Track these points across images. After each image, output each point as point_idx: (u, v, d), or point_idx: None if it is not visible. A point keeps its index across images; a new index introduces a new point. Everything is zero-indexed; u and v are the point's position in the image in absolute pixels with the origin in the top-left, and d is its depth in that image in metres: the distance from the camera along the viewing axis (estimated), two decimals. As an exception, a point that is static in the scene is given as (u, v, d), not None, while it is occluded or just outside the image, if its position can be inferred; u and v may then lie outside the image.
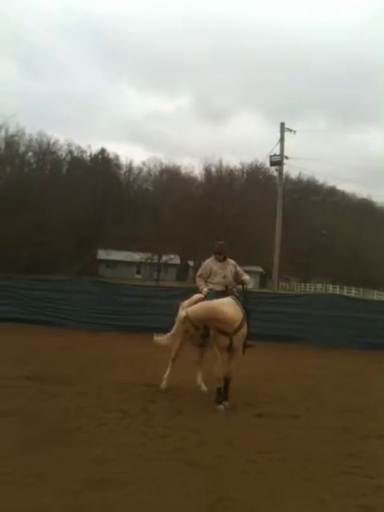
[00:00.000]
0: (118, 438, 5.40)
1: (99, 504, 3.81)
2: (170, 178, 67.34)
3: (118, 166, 71.83)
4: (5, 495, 3.82)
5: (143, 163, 72.15)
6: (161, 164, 69.85)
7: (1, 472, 4.27)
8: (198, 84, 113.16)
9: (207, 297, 7.48)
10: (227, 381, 7.09)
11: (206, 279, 7.69)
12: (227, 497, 4.06)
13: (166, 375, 7.90)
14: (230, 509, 3.88)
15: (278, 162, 29.62)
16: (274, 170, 34.26)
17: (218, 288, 7.51)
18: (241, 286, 7.82)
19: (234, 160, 73.04)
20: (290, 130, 29.81)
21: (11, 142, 40.54)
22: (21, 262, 28.96)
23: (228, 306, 7.04)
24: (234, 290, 7.65)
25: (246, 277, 7.72)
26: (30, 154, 54.28)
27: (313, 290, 57.01)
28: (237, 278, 7.71)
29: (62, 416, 6.08)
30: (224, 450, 5.21)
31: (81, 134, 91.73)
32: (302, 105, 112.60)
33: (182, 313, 6.96)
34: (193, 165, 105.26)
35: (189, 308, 6.99)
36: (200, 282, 7.73)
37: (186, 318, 6.90)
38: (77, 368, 9.22)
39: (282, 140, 29.42)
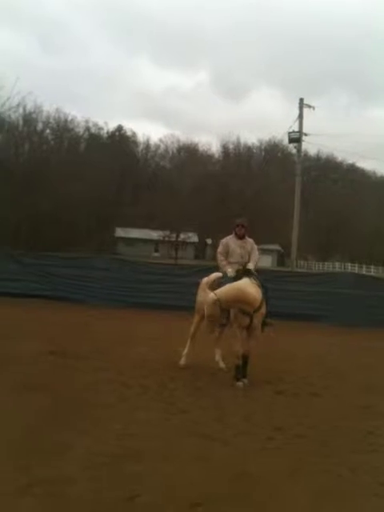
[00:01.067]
0: (139, 413, 5.49)
1: (122, 476, 3.90)
2: (188, 155, 66.94)
3: (135, 143, 71.59)
4: (30, 467, 3.93)
5: (160, 140, 71.89)
6: (178, 141, 69.49)
7: (29, 444, 4.39)
8: (216, 60, 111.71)
9: (224, 277, 7.50)
10: (246, 358, 7.15)
11: (226, 257, 7.69)
12: (247, 472, 4.12)
13: (184, 352, 7.98)
14: (250, 484, 3.94)
15: (296, 138, 29.18)
16: (292, 147, 33.73)
17: (235, 267, 7.51)
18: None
19: (251, 137, 72.47)
20: (309, 106, 29.29)
21: (29, 120, 40.56)
22: (41, 239, 29.22)
23: (251, 287, 7.06)
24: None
25: (251, 265, 7.47)
26: (48, 131, 54.29)
27: (331, 268, 56.58)
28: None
29: (84, 391, 6.20)
30: (243, 427, 5.28)
31: (98, 111, 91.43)
32: (322, 81, 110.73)
33: (211, 296, 6.87)
34: (210, 142, 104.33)
35: (218, 291, 6.90)
36: (222, 262, 7.71)
37: (217, 301, 6.84)
38: (98, 344, 9.36)
39: (300, 116, 28.94)
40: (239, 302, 6.98)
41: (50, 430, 4.79)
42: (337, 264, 59.77)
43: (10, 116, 35.32)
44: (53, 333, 10.32)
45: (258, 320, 7.15)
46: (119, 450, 4.39)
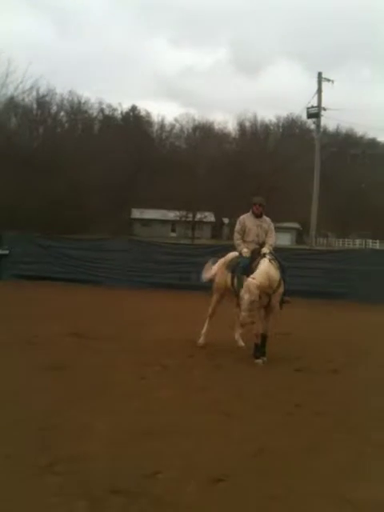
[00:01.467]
0: (159, 391, 5.54)
1: (143, 453, 3.95)
2: (203, 134, 66.33)
3: (149, 123, 71.11)
4: (52, 446, 3.99)
5: (175, 120, 71.23)
6: (193, 120, 68.76)
7: (51, 423, 4.46)
8: (232, 36, 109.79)
9: (240, 257, 7.47)
10: (265, 337, 7.15)
11: (242, 236, 7.63)
12: (267, 447, 4.14)
13: (203, 331, 8.00)
14: (270, 459, 3.96)
15: (315, 114, 28.69)
16: (311, 123, 33.20)
17: (251, 247, 7.46)
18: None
19: (269, 114, 71.32)
20: (328, 80, 28.69)
21: (43, 102, 40.51)
22: (57, 222, 29.37)
23: (273, 270, 7.07)
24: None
25: (266, 249, 7.31)
26: (62, 113, 54.23)
27: (351, 245, 55.98)
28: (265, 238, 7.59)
29: (104, 370, 6.28)
30: (263, 403, 5.29)
31: (112, 92, 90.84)
32: (341, 53, 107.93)
33: (253, 282, 6.73)
34: (226, 120, 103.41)
35: (258, 278, 6.79)
36: (238, 241, 7.65)
37: (260, 287, 6.75)
38: (117, 324, 9.45)
39: (319, 91, 28.40)
40: (267, 287, 6.96)
41: (72, 409, 4.86)
42: (357, 241, 59.09)
43: (23, 99, 35.37)
44: (73, 314, 10.44)
45: (276, 299, 7.13)
46: (140, 428, 4.44)
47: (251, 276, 6.91)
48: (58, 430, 4.35)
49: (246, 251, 7.42)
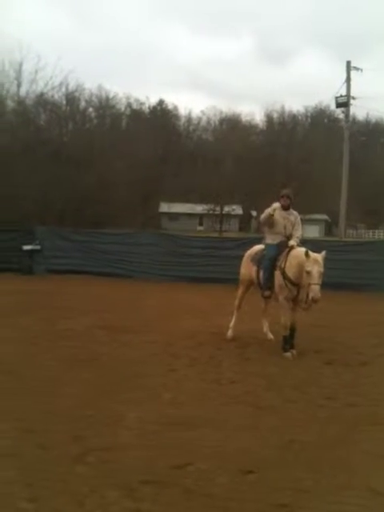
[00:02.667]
0: (188, 383, 5.58)
1: (174, 443, 3.98)
2: (230, 126, 65.91)
3: (176, 116, 71.12)
4: (84, 437, 4.06)
5: (202, 112, 71.07)
6: (220, 112, 68.42)
7: (83, 414, 4.54)
8: (259, 24, 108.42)
9: (268, 249, 7.42)
10: (293, 329, 7.10)
11: (268, 228, 7.55)
12: (297, 440, 4.13)
13: (231, 324, 8.01)
14: (300, 451, 3.94)
15: (344, 103, 28.11)
16: (339, 113, 32.60)
17: (277, 240, 7.40)
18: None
19: (297, 104, 70.36)
20: (357, 69, 28.03)
21: (72, 98, 40.86)
22: (87, 216, 29.73)
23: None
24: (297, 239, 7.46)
25: (293, 242, 7.24)
26: (91, 109, 54.64)
27: (381, 236, 54.95)
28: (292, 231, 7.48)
29: (133, 363, 6.34)
30: (293, 395, 5.27)
31: (139, 86, 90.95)
32: (370, 41, 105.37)
33: (318, 255, 6.58)
34: (253, 112, 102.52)
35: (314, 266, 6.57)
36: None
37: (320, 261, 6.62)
38: (145, 317, 9.54)
39: (348, 80, 27.82)
40: (298, 277, 6.90)
41: (102, 400, 4.93)
42: (388, 231, 58.00)
43: (53, 96, 35.76)
44: (102, 308, 10.57)
45: (304, 292, 7.05)
46: (170, 419, 4.48)
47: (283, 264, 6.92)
48: (90, 420, 4.42)
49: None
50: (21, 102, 31.85)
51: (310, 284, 6.46)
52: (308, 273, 6.49)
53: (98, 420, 4.44)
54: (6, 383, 5.37)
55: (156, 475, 3.47)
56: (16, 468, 3.49)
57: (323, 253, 6.71)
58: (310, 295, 6.44)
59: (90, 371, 5.94)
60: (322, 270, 6.51)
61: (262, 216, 7.65)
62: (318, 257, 6.59)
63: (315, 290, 6.40)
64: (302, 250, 6.83)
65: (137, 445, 3.96)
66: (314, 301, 6.43)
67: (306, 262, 6.53)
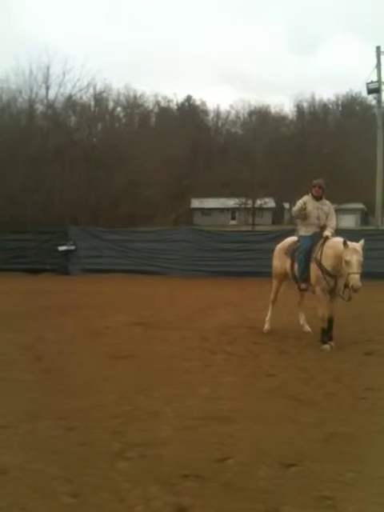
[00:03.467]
0: (225, 377, 5.56)
1: (213, 438, 3.97)
2: (260, 118, 65.35)
3: (205, 111, 70.93)
4: (123, 432, 4.10)
5: (231, 106, 70.61)
6: (249, 105, 67.86)
7: (122, 410, 4.59)
8: (285, 13, 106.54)
9: (302, 241, 7.32)
10: (331, 321, 6.99)
11: (302, 220, 7.44)
12: (338, 432, 4.06)
13: (267, 318, 7.95)
14: (342, 443, 3.87)
15: (375, 89, 27.49)
16: (371, 99, 31.95)
17: (311, 231, 7.29)
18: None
19: (328, 93, 69.08)
20: (387, 53, 27.35)
21: (100, 99, 41.26)
22: (119, 215, 30.04)
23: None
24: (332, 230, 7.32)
25: (328, 232, 7.11)
26: (119, 109, 55.09)
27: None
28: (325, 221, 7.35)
29: (170, 358, 6.37)
30: (332, 388, 5.19)
31: (166, 83, 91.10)
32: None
33: (357, 244, 6.49)
34: (283, 102, 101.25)
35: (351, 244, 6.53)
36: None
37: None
38: (181, 313, 9.57)
39: (378, 65, 27.18)
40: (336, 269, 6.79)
41: (141, 396, 4.96)
42: None
43: (81, 97, 36.17)
44: (138, 304, 10.68)
45: (341, 283, 6.92)
46: (208, 413, 4.48)
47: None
48: (129, 416, 4.45)
49: (304, 230, 7.27)
50: (50, 105, 32.32)
51: (349, 273, 6.34)
52: (347, 262, 6.36)
53: (137, 416, 4.47)
54: (46, 381, 5.47)
55: (196, 469, 3.46)
56: (58, 465, 3.55)
57: (362, 241, 6.58)
58: (350, 284, 6.32)
59: (128, 368, 6.00)
60: (361, 258, 6.40)
61: (294, 208, 7.56)
62: (357, 246, 6.47)
63: (355, 278, 6.28)
64: (339, 239, 6.71)
65: (176, 440, 3.97)
66: (355, 290, 6.31)
67: (345, 251, 6.41)
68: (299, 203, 7.36)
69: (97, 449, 3.82)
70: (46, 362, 6.31)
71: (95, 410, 4.59)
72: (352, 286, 6.30)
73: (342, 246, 6.50)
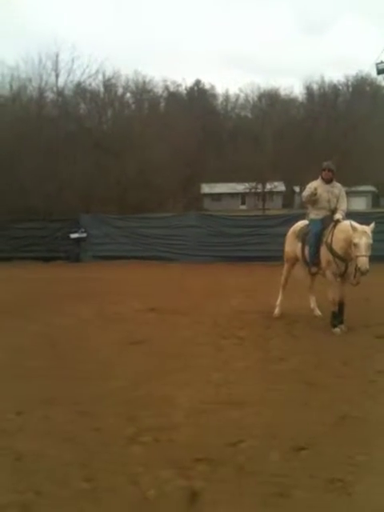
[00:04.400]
0: (236, 362, 5.59)
1: (225, 422, 4.02)
2: (269, 101, 64.62)
3: (214, 95, 70.30)
4: (137, 417, 4.16)
5: (240, 89, 69.84)
6: (258, 88, 67.05)
7: (136, 395, 4.65)
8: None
9: (313, 224, 7.28)
10: (342, 305, 6.98)
11: (312, 204, 7.39)
12: (349, 415, 4.08)
13: (278, 302, 7.96)
14: (353, 426, 3.90)
15: (384, 69, 27.10)
16: (381, 80, 31.46)
17: (321, 214, 7.24)
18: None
19: (337, 75, 67.96)
20: (398, 31, 26.87)
21: (109, 85, 41.07)
22: (130, 202, 30.08)
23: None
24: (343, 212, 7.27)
25: (339, 215, 7.05)
26: (128, 95, 54.78)
27: None
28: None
29: (182, 344, 6.42)
30: (343, 371, 5.20)
31: (175, 68, 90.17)
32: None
33: (366, 227, 6.47)
34: (292, 85, 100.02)
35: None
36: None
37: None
38: (192, 299, 9.61)
39: (389, 43, 26.71)
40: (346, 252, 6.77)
41: (154, 381, 5.02)
42: None
43: (90, 84, 36.07)
44: (150, 291, 10.73)
45: (352, 267, 6.89)
46: (220, 398, 4.52)
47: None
48: (142, 401, 4.51)
49: (315, 213, 7.23)
50: (60, 92, 32.26)
51: (357, 256, 6.32)
52: (355, 245, 6.34)
53: (150, 401, 4.53)
54: (60, 368, 5.54)
55: (209, 453, 3.51)
56: (72, 450, 3.61)
57: (372, 224, 6.53)
58: (358, 266, 6.31)
59: (141, 353, 6.05)
60: (370, 241, 6.36)
61: (304, 194, 7.52)
62: (366, 228, 6.44)
63: (363, 261, 6.27)
64: (348, 223, 6.67)
65: (189, 424, 4.02)
66: (362, 272, 6.30)
67: (354, 234, 6.39)
68: (309, 188, 7.32)
69: (110, 434, 3.88)
70: (60, 348, 6.39)
71: (108, 396, 4.66)
72: (360, 268, 6.29)
73: (351, 228, 6.47)
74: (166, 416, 4.18)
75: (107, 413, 4.28)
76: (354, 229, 6.41)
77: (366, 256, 6.30)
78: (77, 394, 4.71)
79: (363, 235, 6.36)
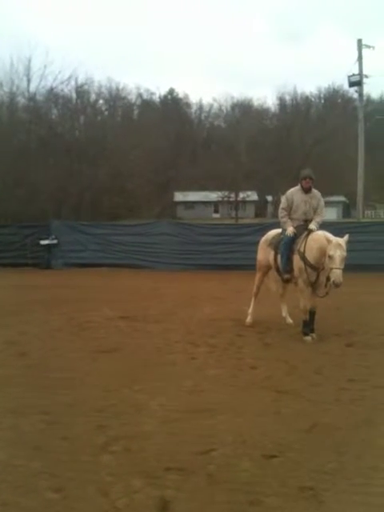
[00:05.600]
0: (209, 370, 5.57)
1: (197, 430, 3.99)
2: (243, 111, 65.34)
3: (188, 104, 70.72)
4: (107, 426, 4.10)
5: (214, 99, 70.64)
6: (232, 98, 67.81)
7: (106, 404, 4.59)
8: (269, 4, 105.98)
9: (283, 234, 7.33)
10: (313, 313, 7.05)
11: (289, 213, 7.40)
12: (320, 423, 4.10)
13: (250, 310, 7.99)
14: (324, 434, 3.92)
15: (356, 82, 27.60)
16: (353, 92, 32.08)
17: (295, 224, 7.29)
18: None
19: (310, 86, 69.25)
20: (368, 46, 27.51)
21: (82, 91, 40.88)
22: (102, 209, 29.93)
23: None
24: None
25: (313, 226, 7.10)
26: (101, 101, 54.61)
27: (401, 216, 54.10)
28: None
29: (155, 352, 6.37)
30: (315, 379, 5.24)
31: (149, 76, 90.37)
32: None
33: (341, 239, 6.46)
34: (265, 95, 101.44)
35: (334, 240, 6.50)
36: (283, 218, 7.40)
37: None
38: (165, 306, 9.57)
39: (360, 58, 27.32)
40: (318, 262, 6.82)
41: (125, 390, 4.96)
42: (408, 211, 57.01)
43: (62, 90, 35.82)
44: (122, 299, 10.65)
45: (324, 276, 6.96)
46: (192, 406, 4.49)
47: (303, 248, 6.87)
48: (113, 410, 4.45)
49: (291, 230, 7.21)
50: (31, 98, 31.94)
51: (332, 268, 6.35)
52: (330, 257, 6.36)
53: (121, 409, 4.47)
54: (29, 377, 5.43)
55: (180, 462, 3.48)
56: (41, 460, 3.53)
57: (346, 237, 6.56)
58: (332, 279, 6.33)
59: (112, 361, 5.98)
60: (344, 254, 6.39)
61: (281, 218, 7.48)
62: (341, 241, 6.45)
63: (337, 274, 6.29)
64: (322, 233, 6.73)
65: (160, 433, 3.98)
66: (336, 285, 6.33)
67: (329, 246, 6.40)
68: (286, 199, 7.36)
69: (80, 443, 3.81)
70: (30, 357, 6.26)
71: (79, 405, 4.58)
72: (334, 281, 6.32)
73: (326, 240, 6.53)
74: (137, 425, 4.14)
75: (77, 422, 4.20)
76: (329, 241, 6.44)
77: (340, 269, 6.33)
78: (46, 403, 4.62)
79: (338, 248, 6.37)
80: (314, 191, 7.40)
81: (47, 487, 3.17)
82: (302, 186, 7.33)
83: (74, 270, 16.18)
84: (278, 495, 3.08)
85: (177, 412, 4.37)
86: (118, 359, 6.09)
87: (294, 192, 7.38)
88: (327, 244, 6.48)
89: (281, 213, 7.47)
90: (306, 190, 7.30)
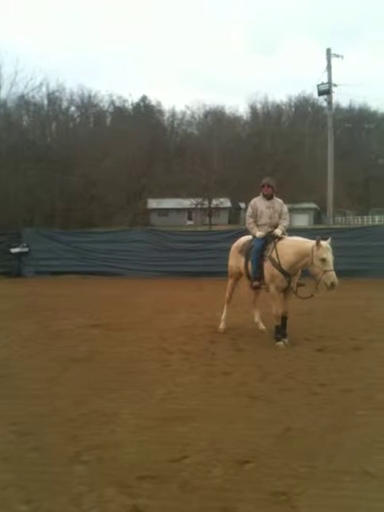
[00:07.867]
0: (182, 377, 5.57)
1: (169, 438, 3.98)
2: (215, 119, 65.88)
3: (160, 112, 70.99)
4: (79, 436, 4.05)
5: (186, 107, 71.09)
6: (204, 106, 68.38)
7: (78, 413, 4.54)
8: (243, 14, 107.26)
9: (255, 241, 7.41)
10: (285, 319, 7.12)
11: (255, 220, 7.54)
12: (292, 427, 4.14)
13: (222, 317, 8.02)
14: (296, 438, 3.96)
15: (325, 90, 28.23)
16: (322, 101, 32.72)
17: (264, 230, 7.39)
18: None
19: (280, 95, 70.38)
20: (337, 56, 28.15)
21: (53, 98, 40.62)
22: (75, 216, 29.69)
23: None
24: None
25: (278, 231, 7.25)
26: (73, 108, 54.37)
27: (370, 222, 55.18)
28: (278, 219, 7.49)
29: (128, 360, 6.33)
30: (287, 384, 5.28)
31: (121, 83, 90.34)
32: (354, 29, 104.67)
33: (327, 242, 6.65)
34: (237, 104, 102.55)
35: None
36: (250, 224, 7.56)
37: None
38: (138, 314, 9.53)
39: (329, 67, 27.94)
40: (291, 268, 6.95)
41: (97, 399, 4.91)
42: (376, 217, 58.22)
43: (33, 96, 35.52)
44: (95, 307, 10.56)
45: (294, 282, 7.08)
46: (165, 414, 4.48)
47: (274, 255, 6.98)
48: (85, 420, 4.40)
49: (259, 233, 7.36)
50: (2, 104, 31.55)
51: (325, 271, 6.50)
52: (323, 260, 6.53)
53: (94, 419, 4.43)
54: (0, 387, 5.34)
55: (152, 470, 3.46)
56: (12, 471, 3.47)
57: (329, 239, 6.76)
58: (330, 281, 6.48)
59: (85, 370, 5.92)
60: (333, 257, 6.59)
61: (247, 214, 7.65)
62: (328, 244, 6.64)
63: (333, 276, 6.49)
64: (296, 238, 6.86)
65: (132, 441, 3.95)
66: (333, 287, 6.51)
67: (320, 250, 6.56)
68: (251, 207, 7.50)
69: (51, 454, 3.76)
70: (0, 367, 6.15)
71: (50, 415, 4.52)
72: (332, 284, 6.48)
73: (306, 244, 6.70)
74: (109, 434, 4.11)
75: (48, 432, 4.15)
76: (319, 245, 6.58)
77: (333, 271, 6.51)
78: (17, 413, 4.54)
79: (329, 250, 6.58)
80: (276, 198, 7.60)
81: (17, 499, 3.12)
82: (263, 194, 7.53)
83: (46, 278, 15.99)
84: (251, 501, 3.09)
85: (149, 420, 4.35)
86: (91, 368, 6.03)
87: (257, 200, 7.58)
88: (306, 248, 6.65)
89: (248, 220, 7.65)
90: (268, 197, 7.51)
